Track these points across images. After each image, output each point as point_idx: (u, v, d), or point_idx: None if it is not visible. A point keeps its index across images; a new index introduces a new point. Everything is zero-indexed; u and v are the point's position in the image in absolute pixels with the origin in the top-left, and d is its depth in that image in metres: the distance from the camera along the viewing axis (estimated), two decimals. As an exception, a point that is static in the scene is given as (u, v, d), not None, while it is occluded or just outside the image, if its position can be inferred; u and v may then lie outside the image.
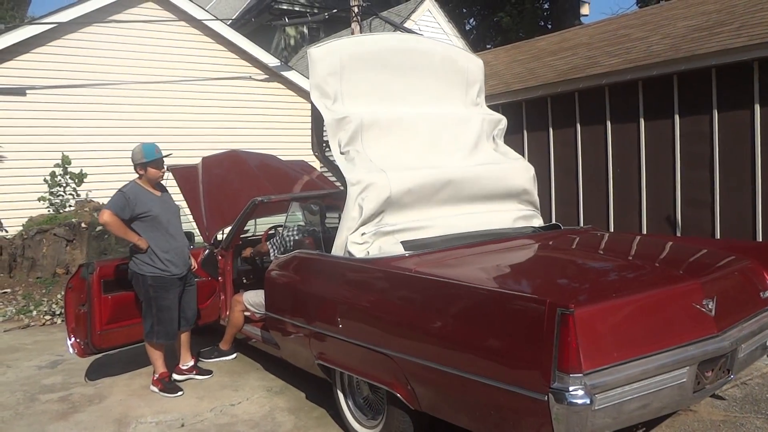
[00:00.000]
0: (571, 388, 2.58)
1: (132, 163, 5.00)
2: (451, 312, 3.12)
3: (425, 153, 4.48)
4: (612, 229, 8.15)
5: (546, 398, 2.62)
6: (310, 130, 4.39)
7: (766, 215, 6.78)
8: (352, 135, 4.17)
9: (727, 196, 7.09)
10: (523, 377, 2.74)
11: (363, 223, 4.04)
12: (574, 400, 2.57)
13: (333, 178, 5.43)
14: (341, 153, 4.16)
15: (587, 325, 2.66)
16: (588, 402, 2.57)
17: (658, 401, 2.97)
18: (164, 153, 5.06)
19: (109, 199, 4.88)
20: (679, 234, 7.45)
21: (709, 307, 3.14)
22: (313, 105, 4.18)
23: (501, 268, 3.64)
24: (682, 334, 3.03)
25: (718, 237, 7.09)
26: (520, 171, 4.88)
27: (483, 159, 4.79)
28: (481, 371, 2.91)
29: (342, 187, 4.18)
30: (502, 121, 5.10)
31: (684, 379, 2.99)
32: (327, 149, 4.40)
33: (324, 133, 4.37)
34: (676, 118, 7.46)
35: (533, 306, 2.72)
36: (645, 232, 7.74)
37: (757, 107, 6.74)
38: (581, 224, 8.37)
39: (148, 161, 4.96)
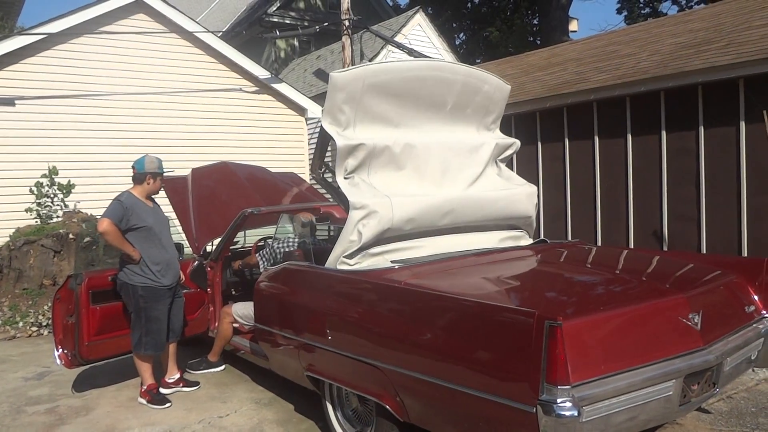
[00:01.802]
0: (559, 400, 2.60)
1: (140, 171, 5.03)
2: (441, 324, 3.14)
3: (432, 182, 4.41)
4: (599, 244, 8.20)
5: (534, 410, 2.64)
6: (314, 151, 4.33)
7: (752, 230, 6.86)
8: (361, 162, 4.10)
9: (713, 211, 7.17)
10: (511, 389, 2.76)
11: (360, 249, 4.02)
12: (562, 412, 2.58)
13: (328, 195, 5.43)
14: (345, 178, 4.08)
15: (575, 337, 2.68)
16: (576, 414, 2.59)
17: (645, 414, 2.99)
18: (166, 170, 5.23)
19: (107, 208, 4.88)
20: (665, 248, 7.52)
21: (695, 321, 3.18)
22: (322, 128, 4.07)
23: (490, 281, 3.67)
24: (668, 347, 3.05)
25: (705, 252, 7.17)
26: (524, 197, 4.84)
27: (488, 186, 4.74)
28: (470, 383, 2.93)
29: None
30: (514, 145, 5.01)
31: (670, 392, 3.01)
32: (326, 171, 4.39)
33: (327, 156, 4.34)
34: (663, 134, 7.55)
35: (521, 318, 2.74)
36: (632, 247, 7.80)
37: (743, 124, 6.84)
38: (569, 238, 8.42)
39: (160, 172, 5.10)
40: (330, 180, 4.36)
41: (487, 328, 2.91)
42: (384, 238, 4.09)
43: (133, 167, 5.07)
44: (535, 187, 4.98)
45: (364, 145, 4.04)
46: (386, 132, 4.21)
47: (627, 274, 3.91)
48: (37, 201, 9.38)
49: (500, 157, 5.00)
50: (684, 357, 3.06)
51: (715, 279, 3.69)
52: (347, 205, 4.01)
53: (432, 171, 4.41)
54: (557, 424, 2.60)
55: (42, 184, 9.38)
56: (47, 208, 9.45)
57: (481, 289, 3.43)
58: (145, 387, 5.10)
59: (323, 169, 4.37)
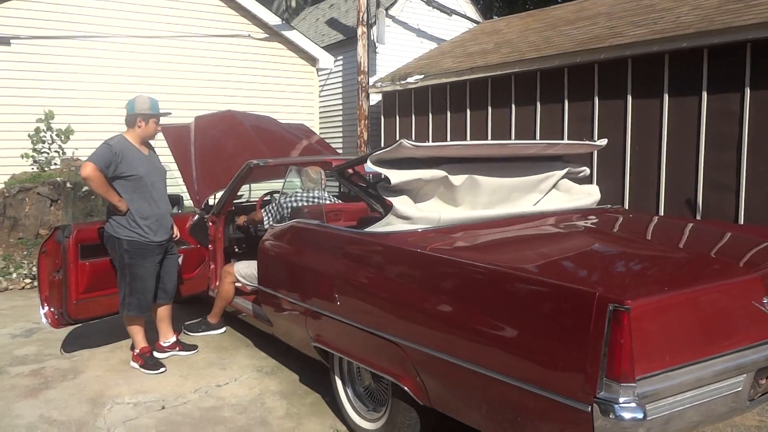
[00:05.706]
0: (621, 400, 2.16)
1: (130, 113, 4.55)
2: (479, 300, 2.66)
3: (486, 208, 3.82)
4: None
5: (590, 409, 2.20)
6: (349, 161, 3.83)
7: (796, 202, 6.36)
8: (413, 188, 3.54)
9: (754, 180, 6.64)
10: (560, 382, 2.31)
11: None
12: (624, 414, 2.15)
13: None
14: (390, 190, 3.50)
15: (643, 324, 2.23)
16: (641, 417, 2.16)
17: (709, 412, 2.54)
18: (163, 111, 4.67)
19: (93, 151, 4.40)
20: (699, 218, 7.03)
21: (768, 305, 2.71)
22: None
23: (535, 251, 3.15)
24: (740, 335, 2.60)
25: (741, 223, 6.67)
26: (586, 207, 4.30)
27: (549, 204, 4.16)
28: (509, 370, 2.49)
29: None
30: (583, 172, 4.49)
31: (740, 388, 2.57)
32: (353, 175, 3.87)
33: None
34: (704, 94, 6.98)
35: (579, 299, 2.27)
36: (663, 215, 7.31)
37: (795, 85, 6.28)
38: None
39: (153, 113, 4.57)
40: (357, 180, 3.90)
41: (535, 308, 2.44)
42: None
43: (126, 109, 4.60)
44: (598, 192, 4.40)
45: (420, 179, 3.46)
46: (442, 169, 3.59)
47: (689, 249, 3.41)
48: (34, 147, 8.93)
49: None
50: (758, 347, 2.61)
51: (785, 256, 3.21)
52: (383, 207, 3.51)
53: (488, 202, 3.81)
54: (617, 428, 2.17)
55: (40, 129, 8.91)
56: (44, 155, 9.01)
57: (526, 261, 2.91)
58: (137, 350, 4.71)
59: (352, 173, 3.87)
